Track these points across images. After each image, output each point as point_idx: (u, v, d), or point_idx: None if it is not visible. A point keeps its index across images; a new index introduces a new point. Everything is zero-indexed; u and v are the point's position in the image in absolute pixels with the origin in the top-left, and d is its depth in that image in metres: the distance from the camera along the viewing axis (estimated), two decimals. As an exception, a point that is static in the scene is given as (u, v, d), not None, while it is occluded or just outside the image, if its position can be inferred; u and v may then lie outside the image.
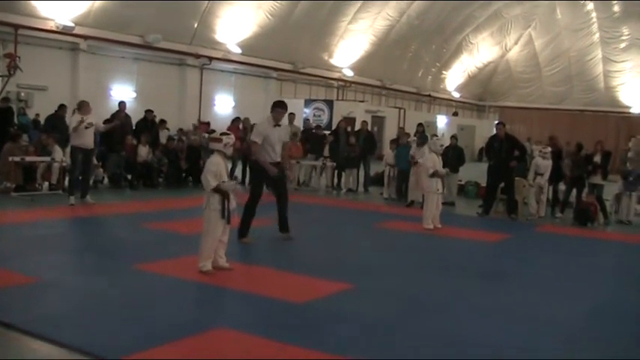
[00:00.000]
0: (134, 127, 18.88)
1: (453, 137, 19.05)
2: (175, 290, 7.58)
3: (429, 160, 13.62)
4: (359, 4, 37.68)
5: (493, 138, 16.51)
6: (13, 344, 5.70)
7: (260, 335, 6.06)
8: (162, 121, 20.79)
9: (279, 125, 10.93)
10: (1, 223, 11.37)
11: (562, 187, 17.15)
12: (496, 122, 21.37)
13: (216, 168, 8.33)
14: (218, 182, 8.28)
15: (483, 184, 18.23)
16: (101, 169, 16.85)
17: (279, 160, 10.95)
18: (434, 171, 13.26)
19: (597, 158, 16.62)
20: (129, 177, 17.52)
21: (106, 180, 17.39)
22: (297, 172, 19.95)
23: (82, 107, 14.15)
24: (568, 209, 16.69)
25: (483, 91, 57.07)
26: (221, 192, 8.29)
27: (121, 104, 18.83)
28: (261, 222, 11.65)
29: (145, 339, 5.78)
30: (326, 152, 20.15)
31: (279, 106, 10.93)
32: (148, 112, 19.16)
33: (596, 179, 16.36)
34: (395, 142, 19.28)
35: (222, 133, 8.75)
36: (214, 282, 7.95)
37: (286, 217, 11.16)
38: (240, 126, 20.85)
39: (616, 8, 45.28)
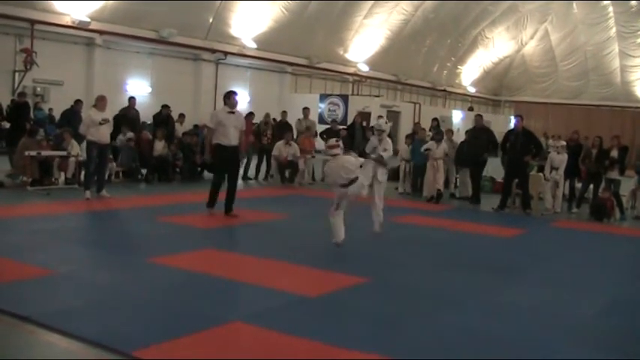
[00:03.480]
0: (150, 122, 18.92)
1: (468, 132, 18.99)
2: (190, 284, 7.59)
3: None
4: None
5: (510, 132, 16.48)
6: (28, 337, 5.72)
7: (274, 329, 6.05)
8: (182, 115, 20.83)
9: (234, 112, 12.30)
10: (17, 217, 11.44)
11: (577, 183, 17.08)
12: (515, 115, 21.34)
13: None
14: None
15: (499, 179, 18.21)
16: (114, 164, 16.87)
17: (234, 144, 12.16)
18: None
19: (614, 153, 16.46)
20: (143, 171, 17.55)
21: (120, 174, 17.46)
22: (311, 167, 19.95)
23: (99, 103, 14.24)
24: (584, 204, 16.59)
25: (499, 85, 56.89)
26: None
27: (131, 100, 18.90)
28: (274, 216, 11.69)
29: (159, 332, 5.79)
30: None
31: (232, 94, 12.52)
32: (164, 107, 19.15)
33: (613, 174, 16.22)
34: (410, 137, 19.26)
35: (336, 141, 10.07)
36: (228, 275, 7.96)
37: (233, 198, 12.44)
38: (252, 120, 20.87)
39: (633, 2, 44.97)
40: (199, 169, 18.79)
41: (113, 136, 17.25)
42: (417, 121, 33.37)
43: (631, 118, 41.82)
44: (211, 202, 12.39)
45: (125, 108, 18.47)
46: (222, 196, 12.43)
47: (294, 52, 36.29)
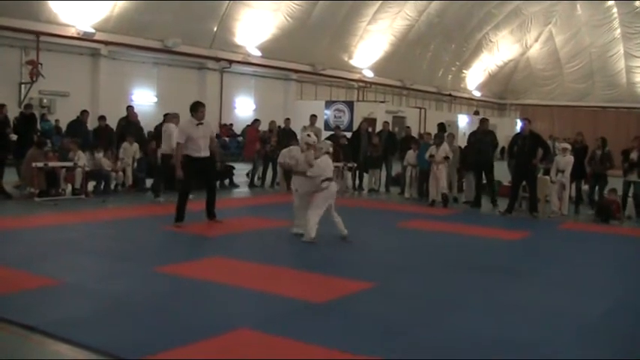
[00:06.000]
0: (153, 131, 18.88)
1: (471, 136, 18.97)
2: (197, 292, 7.60)
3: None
4: (378, 4, 37.66)
5: (517, 136, 16.42)
6: (36, 347, 5.74)
7: (281, 335, 6.07)
8: None
9: (202, 123, 11.98)
10: (25, 228, 11.48)
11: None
12: (521, 118, 21.27)
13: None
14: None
15: (505, 182, 18.18)
16: (121, 173, 16.91)
17: (205, 154, 11.95)
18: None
19: (634, 155, 15.97)
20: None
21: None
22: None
23: (175, 119, 15.57)
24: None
25: (504, 89, 56.88)
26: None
27: (129, 108, 18.93)
28: (280, 223, 11.72)
29: (166, 340, 5.80)
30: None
31: (201, 106, 12.11)
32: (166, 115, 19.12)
33: (633, 177, 15.92)
34: (405, 142, 19.47)
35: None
36: (235, 283, 7.97)
37: (214, 204, 12.40)
38: (259, 127, 20.90)
39: (638, 3, 44.93)
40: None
41: (118, 145, 17.38)
42: (421, 126, 33.41)
43: (637, 120, 41.67)
44: (180, 216, 11.99)
45: (124, 117, 18.50)
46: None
47: (299, 59, 36.35)
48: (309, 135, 11.59)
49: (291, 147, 12.25)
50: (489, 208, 16.65)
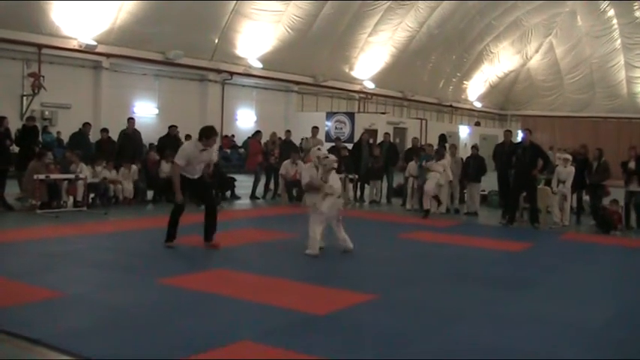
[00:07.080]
0: (157, 143, 18.93)
1: (474, 147, 19.00)
2: (199, 304, 7.60)
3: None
4: (378, 15, 37.73)
5: (517, 146, 16.39)
6: (38, 358, 5.75)
7: (283, 348, 6.07)
8: (188, 136, 20.89)
9: (206, 149, 11.32)
10: (27, 240, 11.48)
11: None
12: (523, 129, 21.24)
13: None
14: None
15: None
16: (120, 186, 16.87)
17: (198, 176, 11.35)
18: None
19: (632, 164, 15.97)
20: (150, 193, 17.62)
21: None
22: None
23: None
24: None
25: (505, 100, 56.94)
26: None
27: (130, 120, 18.93)
28: (283, 235, 11.71)
29: (168, 352, 5.81)
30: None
31: (214, 134, 11.68)
32: (172, 127, 19.13)
33: (632, 186, 15.91)
34: (410, 153, 19.45)
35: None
36: (238, 295, 7.97)
37: (214, 228, 11.42)
38: (260, 139, 20.92)
39: (638, 14, 45.05)
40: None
41: (119, 157, 17.38)
42: (423, 137, 33.44)
43: (638, 130, 41.72)
44: (170, 236, 11.19)
45: (125, 129, 18.52)
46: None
47: (300, 71, 36.43)
48: (319, 149, 11.81)
49: (306, 166, 12.04)
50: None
